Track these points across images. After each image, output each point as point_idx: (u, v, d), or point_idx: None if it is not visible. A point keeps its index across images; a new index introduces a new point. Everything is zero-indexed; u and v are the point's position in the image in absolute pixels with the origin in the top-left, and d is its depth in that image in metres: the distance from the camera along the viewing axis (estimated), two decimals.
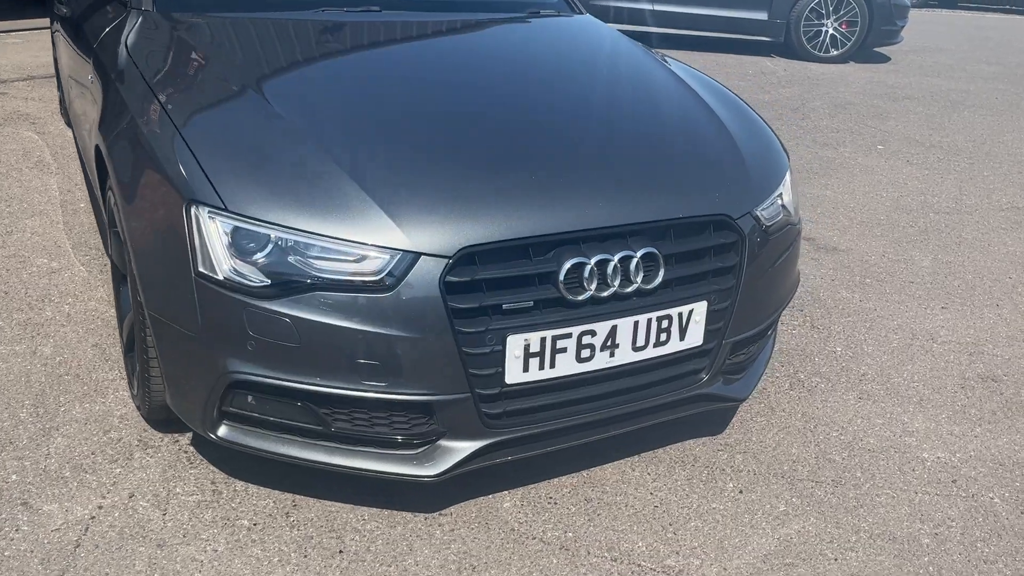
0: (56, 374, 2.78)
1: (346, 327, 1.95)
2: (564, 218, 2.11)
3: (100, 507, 2.23)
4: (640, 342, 2.21)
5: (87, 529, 2.15)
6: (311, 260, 1.96)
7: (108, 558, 2.07)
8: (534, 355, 2.08)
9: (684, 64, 3.26)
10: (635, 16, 9.81)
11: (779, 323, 3.39)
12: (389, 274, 1.96)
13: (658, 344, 2.25)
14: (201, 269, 1.99)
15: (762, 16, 9.71)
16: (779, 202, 2.54)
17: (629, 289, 2.15)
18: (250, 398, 2.09)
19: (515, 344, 2.05)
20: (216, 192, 2.01)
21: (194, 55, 2.58)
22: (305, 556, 2.12)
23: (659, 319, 2.22)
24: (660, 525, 2.30)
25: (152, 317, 2.15)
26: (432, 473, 2.11)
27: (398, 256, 1.96)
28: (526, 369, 2.09)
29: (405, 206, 2.01)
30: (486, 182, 2.13)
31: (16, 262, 3.50)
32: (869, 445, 2.69)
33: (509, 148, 2.30)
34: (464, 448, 2.13)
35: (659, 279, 2.18)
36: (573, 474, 2.47)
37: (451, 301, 1.98)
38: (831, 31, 9.78)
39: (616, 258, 2.11)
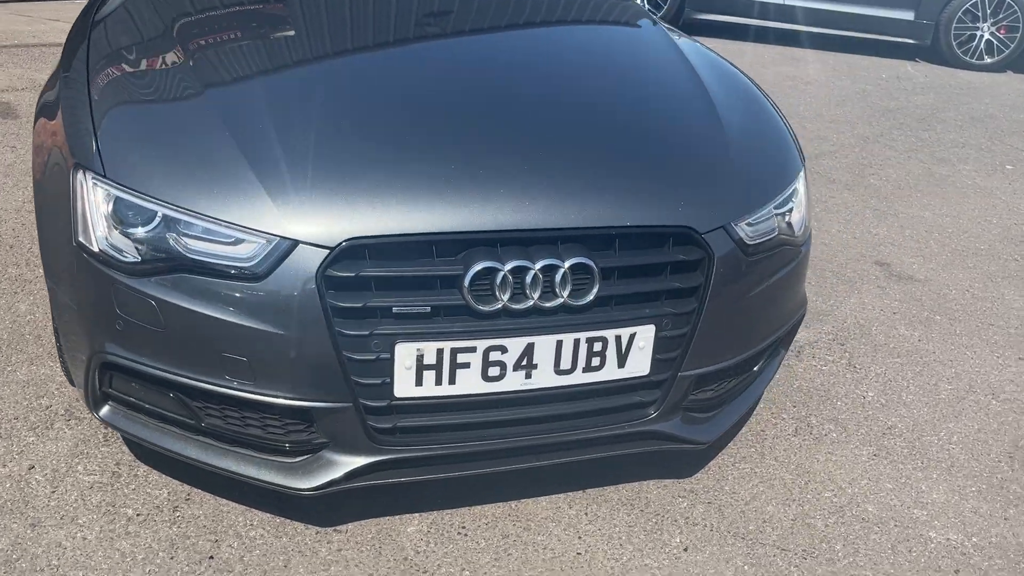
0: (20, 333, 2.75)
1: (210, 315, 1.76)
2: (481, 216, 1.84)
3: None
4: (565, 365, 1.91)
5: None
6: (186, 240, 1.79)
7: None
8: (429, 368, 1.83)
9: (710, 51, 2.87)
10: (764, 11, 9.17)
11: (810, 356, 2.98)
12: (262, 261, 1.76)
13: (589, 369, 1.94)
14: (80, 239, 1.86)
15: (908, 16, 8.85)
16: (775, 216, 2.16)
17: (553, 303, 1.86)
18: (133, 382, 1.94)
19: (405, 353, 1.80)
20: (100, 159, 1.86)
21: (147, 19, 2.43)
22: (171, 557, 1.96)
23: (590, 341, 1.91)
24: None
25: (48, 283, 2.05)
26: (306, 486, 1.90)
27: (274, 242, 1.76)
28: (420, 383, 1.84)
29: (293, 189, 1.80)
30: (393, 169, 1.88)
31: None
32: (865, 513, 2.28)
33: (438, 135, 2.04)
34: (347, 463, 1.91)
35: (592, 295, 1.88)
36: (500, 503, 2.20)
37: (331, 298, 1.76)
38: (987, 36, 8.82)
39: (537, 267, 1.82)
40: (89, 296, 1.87)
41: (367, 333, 1.78)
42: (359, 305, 1.77)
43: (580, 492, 2.26)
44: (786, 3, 8.98)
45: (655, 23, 2.92)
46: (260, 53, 2.25)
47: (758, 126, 2.39)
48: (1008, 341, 3.26)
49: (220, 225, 1.77)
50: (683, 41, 2.83)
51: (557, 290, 1.85)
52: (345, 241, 1.75)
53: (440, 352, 1.82)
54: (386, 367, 1.81)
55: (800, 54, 8.66)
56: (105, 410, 2.00)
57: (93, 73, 2.13)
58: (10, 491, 2.11)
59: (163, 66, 2.19)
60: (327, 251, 1.75)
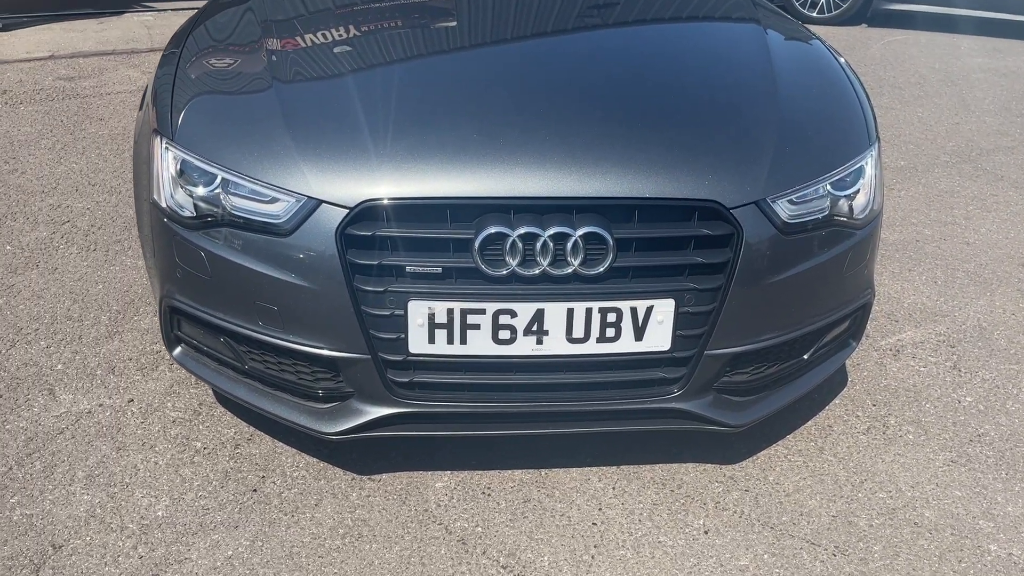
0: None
1: (247, 266, 1.95)
2: (496, 183, 1.90)
3: (100, 405, 2.48)
4: (577, 333, 1.94)
5: (77, 421, 2.41)
6: (233, 198, 1.98)
7: (72, 448, 2.30)
8: (440, 326, 1.92)
9: (800, 27, 2.75)
10: None
11: (910, 355, 2.79)
12: (291, 218, 1.91)
13: (604, 340, 1.95)
14: (154, 196, 2.11)
15: None
16: (830, 195, 2.06)
17: (564, 271, 1.89)
18: (195, 326, 2.17)
19: (417, 311, 1.90)
20: (171, 126, 2.11)
21: (243, 17, 2.66)
22: (222, 487, 2.18)
23: (603, 311, 1.92)
24: (584, 545, 2.01)
25: (140, 237, 2.33)
26: (331, 430, 2.04)
27: (302, 201, 1.91)
28: (432, 340, 1.93)
29: (322, 153, 1.95)
30: (417, 137, 1.98)
31: None
32: (920, 518, 2.11)
33: (467, 107, 2.11)
34: (369, 413, 2.03)
35: (606, 265, 1.89)
36: (531, 470, 2.25)
37: (350, 256, 1.89)
38: None
39: (547, 234, 1.86)
40: (159, 247, 2.12)
41: (382, 290, 1.90)
42: (375, 263, 1.89)
43: (613, 467, 2.26)
44: None
45: (753, 8, 2.84)
46: (328, 50, 2.43)
47: (824, 106, 2.28)
48: None
49: (260, 185, 1.95)
50: (774, 24, 2.73)
51: (569, 258, 1.88)
52: (363, 202, 1.88)
53: (450, 312, 1.90)
54: (400, 323, 1.92)
55: (1005, 45, 7.90)
56: (177, 351, 2.25)
57: (186, 54, 2.41)
58: (108, 419, 2.42)
59: (242, 58, 2.41)
60: (347, 211, 1.88)
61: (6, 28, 6.74)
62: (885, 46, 7.73)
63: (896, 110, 5.66)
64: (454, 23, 2.67)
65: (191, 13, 2.97)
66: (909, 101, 5.89)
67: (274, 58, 2.34)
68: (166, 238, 2.07)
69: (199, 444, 2.33)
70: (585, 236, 1.87)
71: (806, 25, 2.97)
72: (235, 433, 2.37)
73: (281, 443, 2.33)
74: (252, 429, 2.38)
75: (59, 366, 2.65)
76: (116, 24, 7.12)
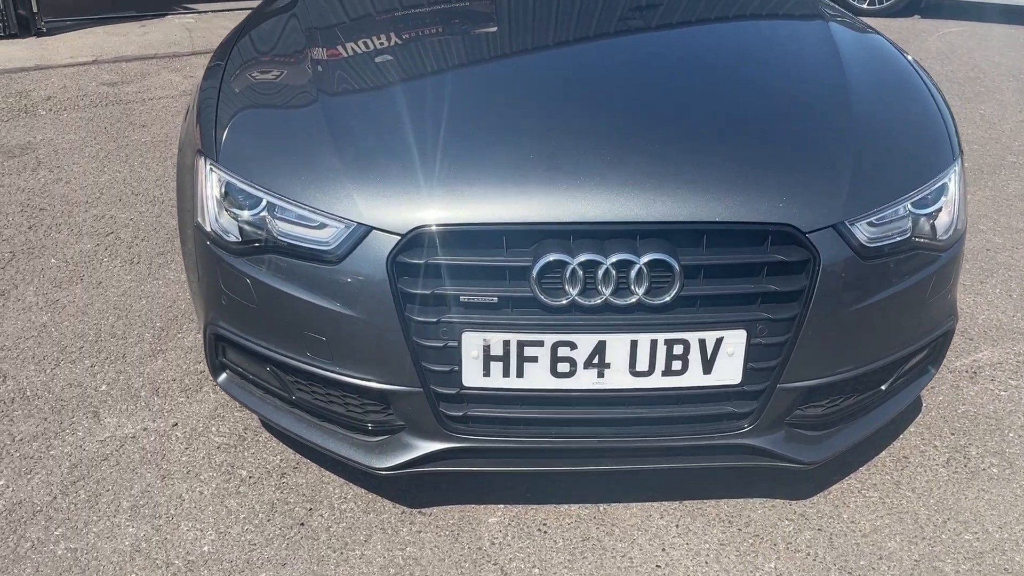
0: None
1: (292, 295, 1.86)
2: (555, 207, 1.79)
3: (145, 429, 2.41)
4: (641, 366, 1.82)
5: (122, 446, 2.35)
6: (279, 223, 1.89)
7: (116, 477, 2.23)
8: (496, 359, 1.81)
9: (875, 34, 2.59)
10: None
11: (989, 378, 2.63)
12: (340, 245, 1.82)
13: (670, 373, 1.83)
14: (198, 219, 2.03)
15: None
16: (911, 215, 1.92)
17: (627, 301, 1.77)
18: (240, 354, 2.09)
19: (471, 343, 1.80)
20: (215, 146, 2.03)
21: (288, 26, 2.59)
22: (269, 519, 2.10)
23: (669, 343, 1.80)
24: None
25: (182, 251, 2.26)
26: (381, 465, 1.95)
27: (352, 227, 1.82)
28: (487, 373, 1.83)
29: (371, 176, 1.85)
30: (470, 160, 1.87)
31: None
32: (1011, 563, 1.96)
33: (521, 127, 1.99)
34: (421, 448, 1.93)
35: (672, 294, 1.77)
36: (588, 505, 2.14)
37: (401, 284, 1.79)
38: None
39: (609, 261, 1.75)
40: (204, 273, 2.04)
41: (435, 320, 1.80)
42: (427, 292, 1.78)
43: (676, 503, 2.15)
44: None
45: (829, 16, 2.68)
46: (376, 62, 2.33)
47: (901, 117, 2.13)
48: None
49: (307, 210, 1.86)
50: (840, 22, 2.57)
51: (632, 287, 1.76)
52: (415, 228, 1.78)
53: (507, 344, 1.80)
54: (454, 355, 1.82)
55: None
56: (223, 378, 2.17)
57: (230, 67, 2.32)
58: (153, 444, 2.36)
59: (287, 70, 2.33)
60: (398, 238, 1.78)
61: (50, 32, 6.77)
62: (940, 38, 7.47)
63: (956, 107, 5.42)
64: (507, 34, 2.56)
65: (232, 14, 2.90)
66: (970, 98, 5.66)
67: (319, 68, 2.25)
68: (211, 263, 1.99)
69: (244, 472, 2.26)
70: (650, 263, 1.75)
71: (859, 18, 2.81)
72: (281, 461, 2.29)
73: (328, 472, 2.25)
74: (298, 457, 2.30)
75: (103, 387, 2.60)
76: (158, 27, 7.12)
